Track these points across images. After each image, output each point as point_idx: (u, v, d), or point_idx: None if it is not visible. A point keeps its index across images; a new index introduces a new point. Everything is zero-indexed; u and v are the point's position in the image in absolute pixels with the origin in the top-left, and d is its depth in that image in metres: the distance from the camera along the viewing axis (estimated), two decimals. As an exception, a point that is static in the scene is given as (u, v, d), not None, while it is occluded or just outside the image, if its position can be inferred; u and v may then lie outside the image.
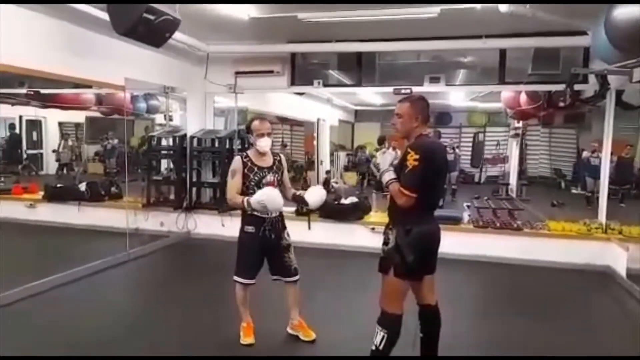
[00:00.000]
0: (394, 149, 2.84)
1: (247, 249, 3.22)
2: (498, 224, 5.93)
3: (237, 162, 3.21)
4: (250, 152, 3.24)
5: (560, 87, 5.66)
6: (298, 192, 3.27)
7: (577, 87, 5.64)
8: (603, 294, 4.75)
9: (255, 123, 3.21)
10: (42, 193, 7.48)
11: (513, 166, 12.19)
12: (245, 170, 3.16)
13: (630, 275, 4.80)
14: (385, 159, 2.65)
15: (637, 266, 4.83)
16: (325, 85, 6.74)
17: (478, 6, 4.39)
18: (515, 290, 4.81)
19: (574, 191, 10.60)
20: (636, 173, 9.23)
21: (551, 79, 5.78)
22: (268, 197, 2.96)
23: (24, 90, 8.61)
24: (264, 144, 3.17)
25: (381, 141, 10.80)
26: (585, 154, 9.53)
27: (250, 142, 3.26)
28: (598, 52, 4.51)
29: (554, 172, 13.10)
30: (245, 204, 3.03)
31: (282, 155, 3.38)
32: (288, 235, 3.32)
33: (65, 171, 12.00)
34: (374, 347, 2.61)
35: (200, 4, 4.54)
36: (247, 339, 3.28)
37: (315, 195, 3.19)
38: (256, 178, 3.15)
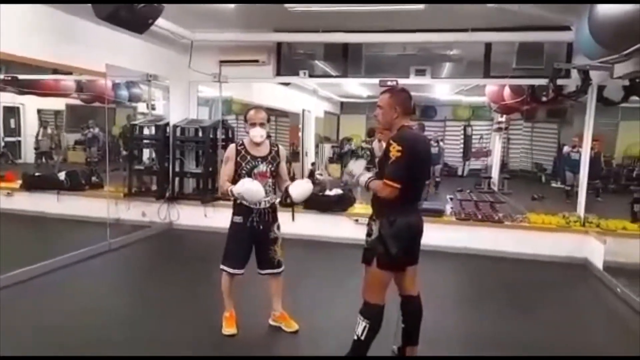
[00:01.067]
0: (379, 140, 2.85)
1: (235, 239, 3.20)
2: (480, 217, 6.00)
3: (231, 149, 3.20)
4: (246, 141, 3.21)
5: (544, 81, 5.73)
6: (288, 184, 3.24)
7: (559, 82, 5.71)
8: (581, 286, 4.85)
9: (250, 112, 3.18)
10: (19, 182, 7.30)
11: (496, 160, 12.35)
12: (238, 158, 3.14)
13: (607, 268, 4.91)
14: (359, 165, 2.66)
15: (614, 259, 4.94)
16: (311, 75, 6.70)
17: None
18: (495, 281, 4.88)
19: (553, 185, 10.80)
20: (605, 167, 9.45)
21: (535, 73, 5.83)
22: (246, 190, 2.93)
23: (0, 76, 8.37)
24: (255, 133, 3.14)
25: (371, 133, 10.81)
26: (566, 148, 9.71)
27: (246, 130, 3.22)
28: (581, 47, 4.58)
29: (535, 166, 13.32)
30: (229, 191, 3.00)
31: (280, 147, 3.33)
32: (278, 228, 3.29)
33: (44, 160, 11.75)
34: (355, 337, 2.63)
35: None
36: (229, 329, 3.27)
37: (299, 188, 3.13)
38: (248, 167, 3.12)
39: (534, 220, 5.81)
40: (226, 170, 3.16)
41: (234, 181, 3.09)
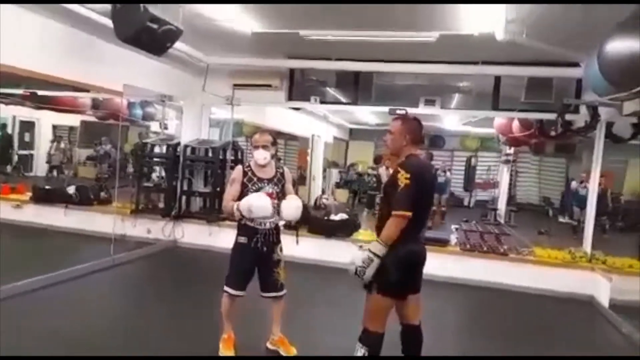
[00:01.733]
0: (386, 167, 2.87)
1: (238, 260, 3.22)
2: (485, 248, 5.95)
3: (237, 170, 3.26)
4: (252, 163, 3.26)
5: (552, 116, 5.76)
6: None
7: (568, 117, 5.74)
8: (586, 324, 4.76)
9: (255, 136, 3.26)
10: (29, 194, 7.40)
11: (502, 192, 12.30)
12: (245, 180, 3.18)
13: (613, 306, 4.83)
14: (359, 256, 2.58)
15: (620, 297, 4.86)
16: (322, 102, 6.80)
17: (475, 32, 4.48)
18: (499, 315, 4.81)
19: (561, 220, 10.71)
20: (612, 204, 9.37)
21: (543, 107, 5.87)
22: (255, 202, 2.96)
23: (20, 91, 8.59)
24: (258, 156, 3.19)
25: (377, 160, 10.90)
26: (574, 184, 9.68)
27: (251, 153, 3.29)
28: (590, 84, 4.61)
29: (542, 200, 13.24)
30: (235, 208, 3.03)
31: (285, 169, 3.38)
32: (281, 250, 3.30)
33: (55, 173, 11.92)
34: (354, 365, 2.60)
35: (204, 16, 4.57)
36: (226, 351, 3.24)
37: (289, 208, 3.10)
38: (254, 188, 3.16)
39: (539, 254, 5.75)
40: (232, 191, 3.20)
41: None
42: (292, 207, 3.11)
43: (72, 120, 13.34)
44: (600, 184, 6.03)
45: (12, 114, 12.27)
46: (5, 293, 4.05)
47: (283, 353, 3.32)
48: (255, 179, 3.18)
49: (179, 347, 3.41)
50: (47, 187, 7.73)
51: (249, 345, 3.38)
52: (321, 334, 3.85)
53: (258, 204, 2.96)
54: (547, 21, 4.10)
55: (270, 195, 3.15)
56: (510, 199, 12.11)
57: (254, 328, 3.54)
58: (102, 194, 7.30)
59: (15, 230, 6.69)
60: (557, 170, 13.25)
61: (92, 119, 11.62)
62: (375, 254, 2.48)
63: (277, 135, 13.14)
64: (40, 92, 8.57)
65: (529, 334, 4.30)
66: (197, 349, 3.40)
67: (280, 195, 3.23)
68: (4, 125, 11.90)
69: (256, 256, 3.18)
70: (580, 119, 5.86)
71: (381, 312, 2.60)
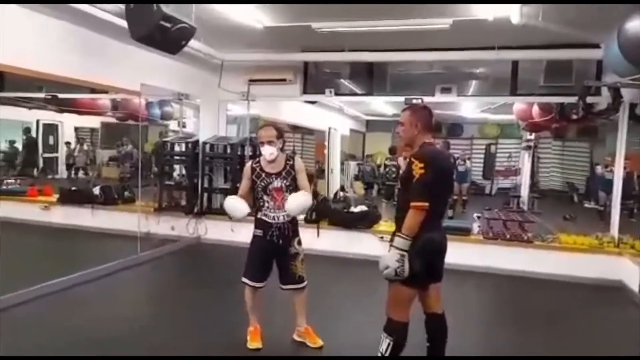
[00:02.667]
0: (404, 158, 2.87)
1: (255, 252, 3.28)
2: (508, 236, 5.88)
3: (247, 168, 3.33)
4: (261, 158, 3.28)
5: (573, 99, 5.64)
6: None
7: (589, 99, 5.60)
8: (615, 310, 4.67)
9: (260, 132, 3.27)
10: (56, 196, 7.60)
11: (525, 179, 12.10)
12: (254, 176, 3.22)
13: (643, 291, 4.73)
14: (389, 257, 2.52)
15: (650, 281, 4.75)
16: (337, 94, 6.79)
17: (490, 17, 4.41)
18: (524, 303, 4.76)
19: (586, 205, 10.47)
20: (638, 187, 9.09)
21: (563, 91, 5.75)
22: (227, 204, 3.23)
23: (42, 95, 8.80)
24: (264, 152, 3.20)
25: (393, 151, 10.85)
26: (599, 169, 9.45)
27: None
28: (611, 65, 4.50)
29: (566, 186, 12.97)
30: None
31: (297, 159, 3.32)
32: (299, 243, 3.32)
33: (79, 174, 12.19)
34: (380, 354, 2.62)
35: (216, 13, 4.62)
36: (253, 343, 3.30)
37: (293, 203, 3.11)
38: (262, 184, 3.19)
39: (565, 240, 5.66)
40: (242, 187, 3.31)
41: (254, 198, 3.25)
42: (294, 202, 3.11)
43: (93, 122, 13.59)
44: (625, 167, 5.89)
45: (35, 117, 12.56)
46: (39, 292, 4.20)
47: (310, 344, 3.36)
48: (263, 175, 3.21)
49: (209, 340, 3.48)
50: (73, 188, 7.93)
51: (276, 337, 3.43)
52: (347, 325, 3.88)
53: (229, 206, 3.21)
54: (563, 2, 4.00)
55: (279, 189, 3.17)
56: (533, 185, 11.91)
57: (280, 320, 3.59)
58: (126, 193, 7.45)
59: (45, 231, 6.90)
60: (580, 155, 12.94)
61: (112, 120, 11.81)
62: (402, 249, 2.48)
63: (293, 129, 13.21)
64: (60, 95, 8.76)
65: (556, 321, 4.24)
66: (226, 341, 3.46)
67: (292, 188, 3.20)
68: (29, 129, 12.20)
69: (272, 249, 3.23)
70: (602, 101, 5.73)
71: (404, 301, 2.60)
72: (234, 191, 6.63)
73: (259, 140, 3.25)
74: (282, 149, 3.27)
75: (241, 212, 3.17)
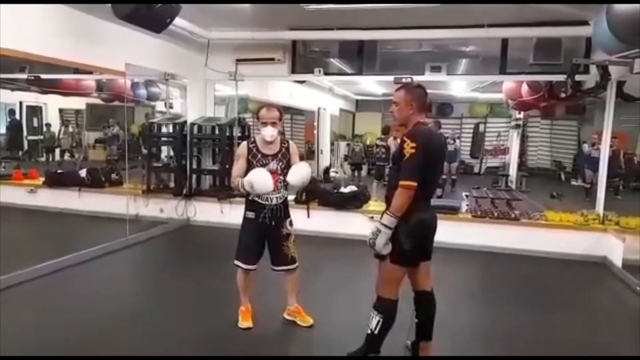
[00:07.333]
0: (394, 138, 2.85)
1: (247, 234, 3.26)
2: (496, 214, 5.94)
3: (242, 147, 3.25)
4: (257, 138, 3.24)
5: (562, 77, 5.64)
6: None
7: (578, 77, 5.61)
8: (599, 285, 4.79)
9: (262, 111, 3.20)
10: (42, 179, 7.50)
11: (513, 157, 12.19)
12: (249, 157, 3.18)
13: (626, 266, 4.84)
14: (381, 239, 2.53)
15: (633, 257, 4.86)
16: (326, 73, 6.73)
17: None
18: (511, 279, 4.85)
19: (573, 183, 10.62)
20: (625, 165, 9.24)
21: (552, 69, 5.76)
22: (256, 177, 2.97)
23: (24, 76, 8.58)
24: (266, 132, 3.16)
25: (386, 131, 10.84)
26: (586, 146, 9.54)
27: (257, 128, 3.26)
28: (599, 42, 4.50)
29: (554, 164, 13.11)
30: (240, 185, 3.05)
31: (291, 142, 3.32)
32: (290, 224, 3.32)
33: (65, 157, 12.02)
34: (369, 331, 2.66)
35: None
36: (244, 322, 3.33)
37: (296, 174, 3.10)
38: (259, 165, 3.15)
39: (551, 218, 5.75)
40: (237, 167, 3.21)
41: None
42: (298, 173, 3.10)
43: (78, 103, 13.34)
44: (612, 146, 5.95)
45: (18, 99, 12.29)
46: (26, 276, 4.17)
47: (300, 322, 3.39)
48: (259, 156, 3.18)
49: (199, 319, 3.50)
50: (59, 171, 7.82)
51: (267, 316, 3.46)
52: (337, 303, 3.92)
53: (259, 179, 2.97)
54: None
55: (274, 171, 3.14)
56: (522, 164, 12.02)
57: (271, 299, 3.61)
58: (113, 175, 7.36)
59: (32, 214, 6.83)
60: (568, 133, 13.03)
61: (98, 101, 11.59)
62: (385, 226, 2.49)
63: (282, 110, 13.11)
64: (44, 76, 8.56)
65: (542, 297, 4.33)
66: (216, 320, 3.48)
67: (286, 171, 3.18)
68: (13, 111, 11.95)
69: (264, 230, 3.22)
70: (590, 79, 5.74)
71: (394, 280, 2.63)
72: (223, 172, 6.66)
73: (260, 120, 3.17)
74: (282, 132, 3.23)
75: (269, 182, 3.00)
